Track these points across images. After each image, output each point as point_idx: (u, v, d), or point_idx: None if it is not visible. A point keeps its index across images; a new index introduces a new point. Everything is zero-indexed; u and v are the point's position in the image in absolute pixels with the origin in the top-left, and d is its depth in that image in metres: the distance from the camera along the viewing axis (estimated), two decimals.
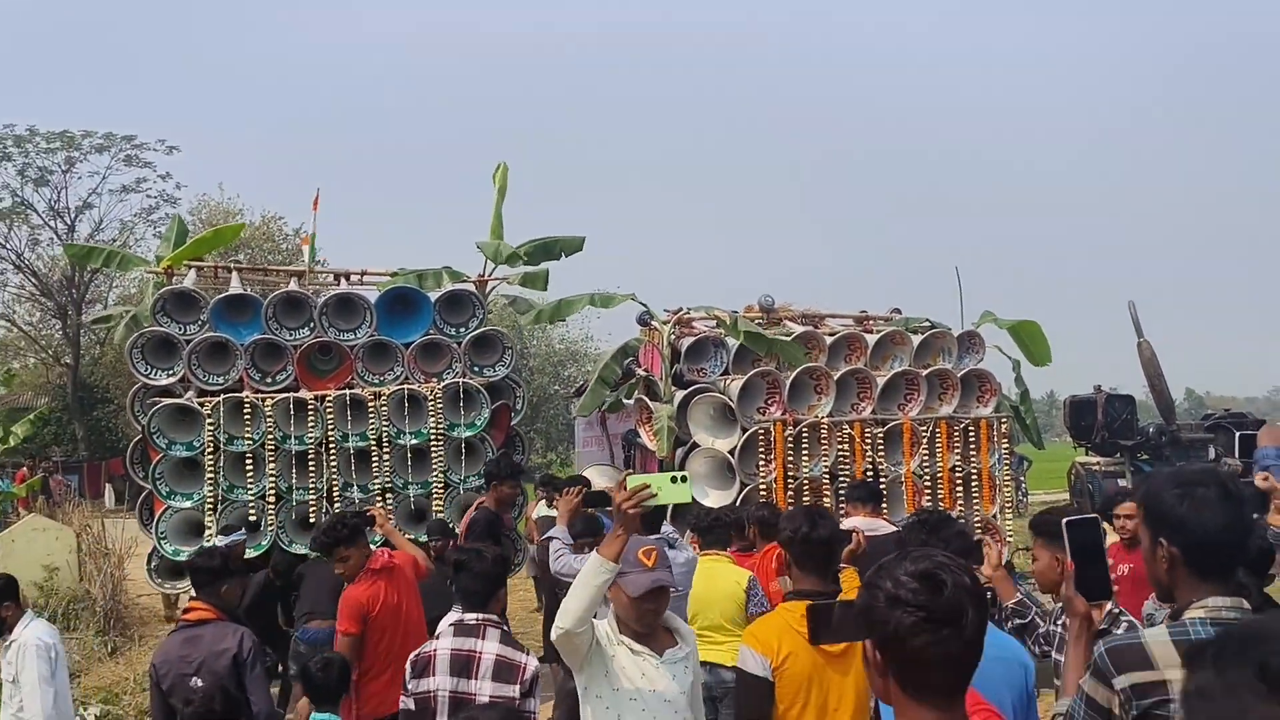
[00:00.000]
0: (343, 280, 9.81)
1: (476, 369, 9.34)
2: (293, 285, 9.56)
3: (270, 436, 8.53)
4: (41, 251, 35.24)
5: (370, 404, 8.78)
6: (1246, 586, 2.56)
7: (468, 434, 9.00)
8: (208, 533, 8.23)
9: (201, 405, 8.47)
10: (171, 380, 8.67)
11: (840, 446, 8.82)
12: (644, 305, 9.89)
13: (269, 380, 8.81)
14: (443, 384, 8.98)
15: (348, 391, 8.78)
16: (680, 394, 9.07)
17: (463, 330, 9.37)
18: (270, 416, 8.53)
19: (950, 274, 11.36)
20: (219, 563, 5.15)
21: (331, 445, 8.71)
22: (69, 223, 34.77)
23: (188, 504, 8.56)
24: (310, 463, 8.73)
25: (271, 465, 8.51)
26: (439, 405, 8.89)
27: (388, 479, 8.82)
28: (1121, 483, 13.20)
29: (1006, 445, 9.72)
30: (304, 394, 8.71)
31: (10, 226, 33.71)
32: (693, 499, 5.79)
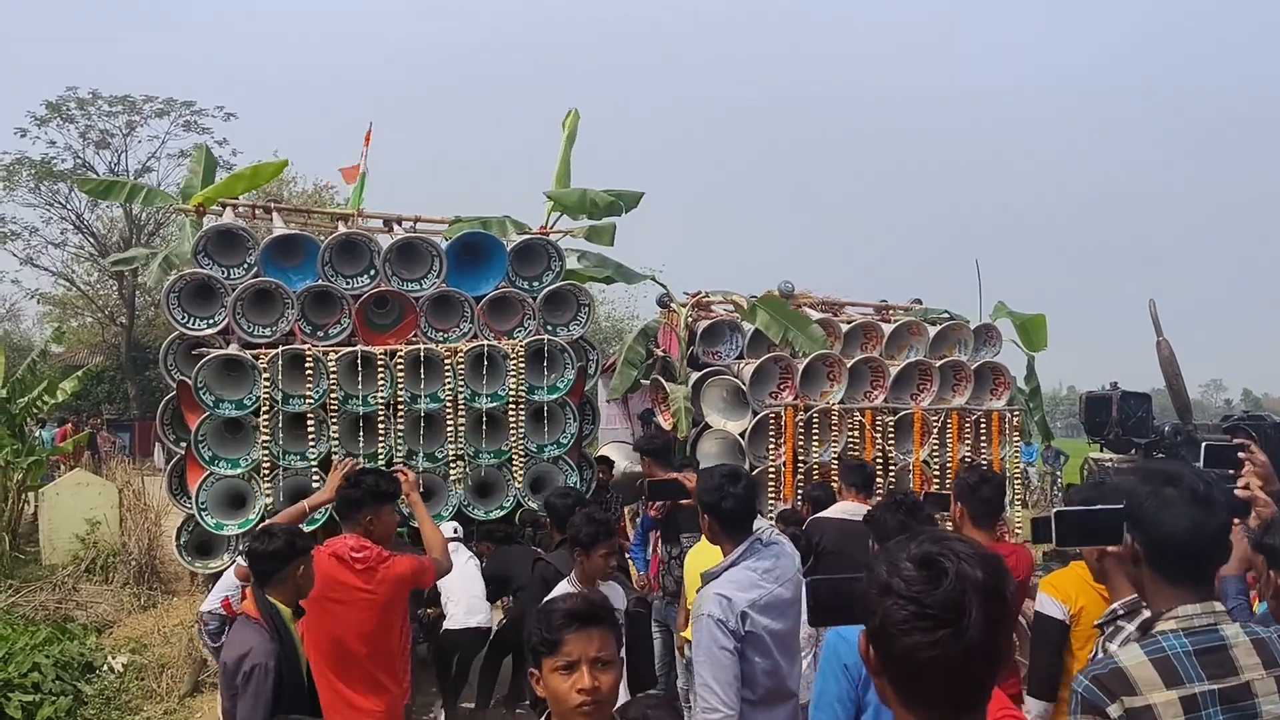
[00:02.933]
0: (395, 226, 8.78)
1: (550, 327, 8.34)
2: (341, 229, 8.58)
3: (333, 396, 7.52)
4: (101, 213, 35.48)
5: (446, 362, 7.75)
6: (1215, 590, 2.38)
7: (550, 398, 7.97)
8: (261, 503, 7.25)
9: (257, 359, 7.43)
10: (212, 331, 7.60)
11: (850, 433, 8.82)
12: (664, 286, 9.74)
13: (320, 334, 7.82)
14: (524, 342, 7.93)
15: (421, 347, 7.75)
16: (695, 375, 9.08)
17: (536, 284, 8.36)
18: (334, 373, 7.52)
19: (982, 268, 11.15)
20: (282, 544, 4.20)
21: (400, 407, 7.70)
22: (144, 206, 34.80)
23: (233, 471, 7.50)
24: (376, 426, 7.72)
25: (334, 428, 7.51)
26: (521, 366, 7.85)
27: (460, 446, 7.81)
28: None
29: (1018, 438, 9.68)
30: (373, 349, 7.70)
31: (71, 188, 33.55)
32: None
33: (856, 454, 8.67)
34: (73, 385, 14.99)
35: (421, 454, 7.79)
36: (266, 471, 7.42)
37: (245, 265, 7.69)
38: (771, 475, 8.55)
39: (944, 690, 1.59)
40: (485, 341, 7.93)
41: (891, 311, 10.19)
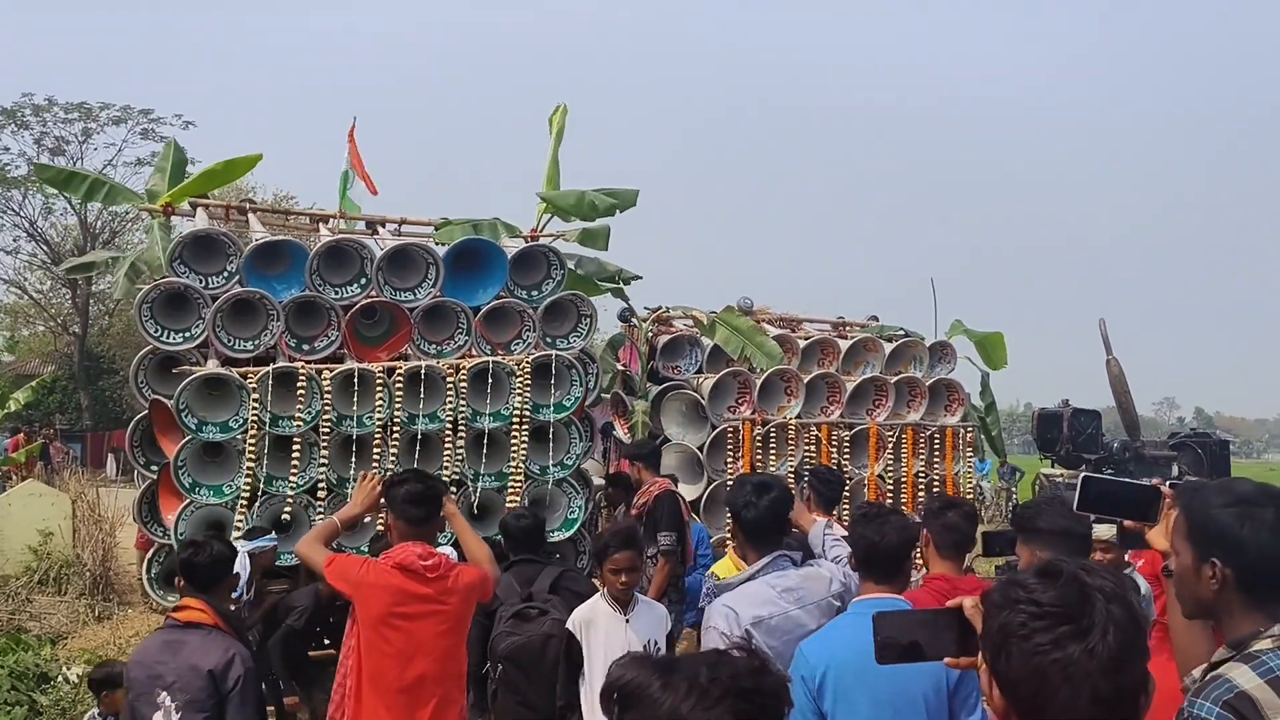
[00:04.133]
0: (379, 229, 8.21)
1: (549, 340, 7.81)
2: (322, 231, 7.99)
3: (326, 417, 6.92)
4: (55, 220, 35.31)
5: (448, 379, 7.18)
6: None
7: (556, 416, 7.43)
8: (235, 535, 6.61)
9: (245, 377, 6.79)
10: (189, 345, 6.95)
11: (807, 447, 8.96)
12: (626, 300, 9.68)
13: (306, 347, 7.22)
14: (532, 357, 7.39)
15: (422, 364, 7.16)
16: (655, 390, 9.16)
17: (535, 294, 7.82)
18: (329, 393, 6.92)
19: (940, 285, 11.23)
20: (220, 550, 4.22)
21: (396, 428, 7.11)
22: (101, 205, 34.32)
23: (217, 500, 6.84)
24: (367, 449, 7.11)
25: (324, 451, 6.91)
26: (526, 383, 7.30)
27: (458, 469, 7.23)
28: None
29: (971, 454, 9.93)
30: (371, 366, 7.11)
31: (25, 194, 33.25)
32: None
33: (813, 467, 8.40)
34: (26, 396, 14.62)
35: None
36: (247, 499, 6.79)
37: (225, 273, 7.06)
38: (729, 489, 8.39)
39: (1074, 705, 1.46)
40: (490, 357, 7.38)
41: (848, 328, 10.38)
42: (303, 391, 6.82)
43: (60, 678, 8.08)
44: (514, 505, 7.31)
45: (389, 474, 5.18)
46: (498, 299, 7.62)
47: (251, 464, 6.74)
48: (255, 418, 6.71)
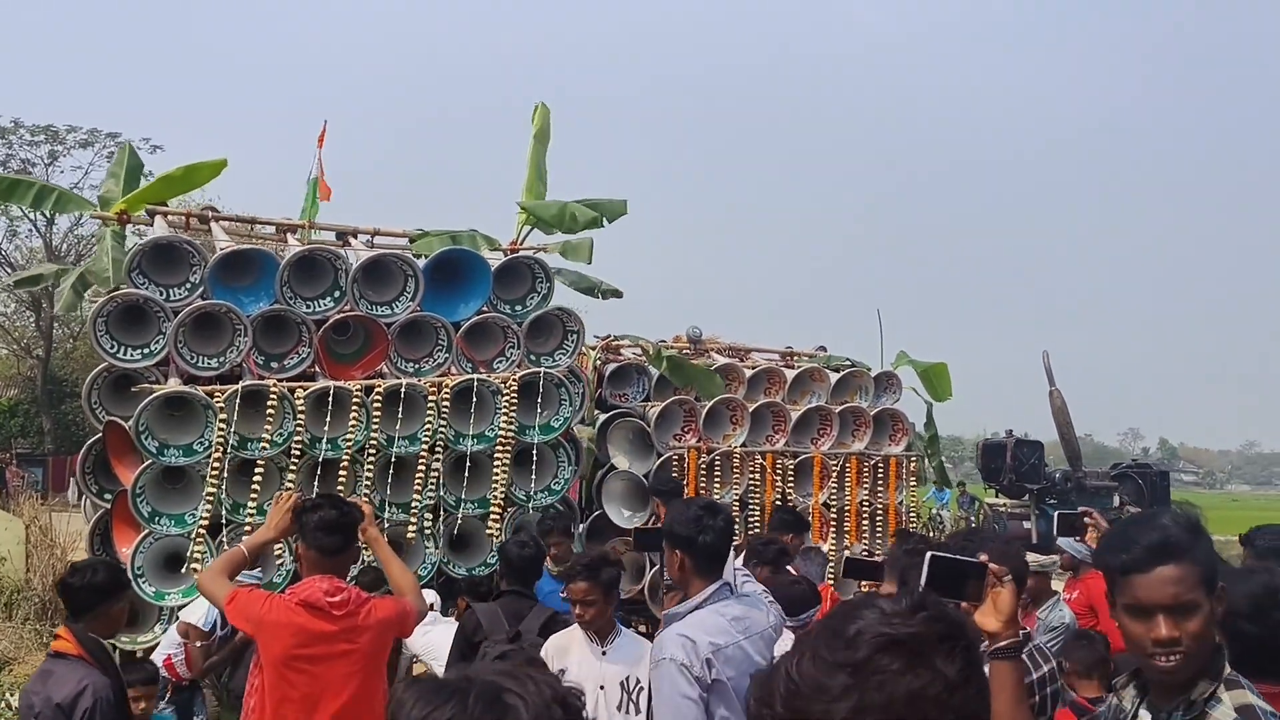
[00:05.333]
0: (350, 240, 7.72)
1: (533, 357, 7.38)
2: (290, 242, 7.51)
3: (299, 440, 6.43)
4: (20, 243, 34.48)
5: (430, 399, 6.70)
6: None
7: (544, 438, 6.97)
8: (193, 566, 6.07)
9: (212, 396, 6.29)
10: (147, 362, 6.44)
11: (751, 476, 8.94)
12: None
13: (275, 365, 6.73)
14: (519, 375, 6.94)
15: (403, 382, 6.69)
16: (602, 417, 9.05)
17: (519, 309, 7.39)
18: (302, 413, 6.42)
19: (887, 315, 11.47)
20: (104, 577, 3.96)
21: (372, 451, 6.63)
22: (48, 216, 33.61)
23: (178, 530, 6.31)
24: (339, 473, 6.61)
25: (293, 477, 6.42)
26: (512, 402, 6.85)
27: (437, 494, 6.75)
28: (1026, 525, 13.43)
29: (914, 482, 10.03)
30: (348, 385, 6.63)
31: None
32: None
33: (757, 496, 8.83)
34: None
35: (394, 505, 6.73)
36: (206, 528, 6.27)
37: (188, 284, 6.57)
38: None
39: None
40: (474, 375, 6.92)
41: (796, 358, 10.39)
42: (273, 412, 6.32)
43: (4, 704, 7.63)
44: (493, 533, 6.85)
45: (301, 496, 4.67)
46: (480, 314, 7.18)
47: (214, 490, 6.22)
48: (222, 440, 6.20)
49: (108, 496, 6.66)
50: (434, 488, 6.79)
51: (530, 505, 7.11)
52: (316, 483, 6.39)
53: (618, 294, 8.99)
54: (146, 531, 6.25)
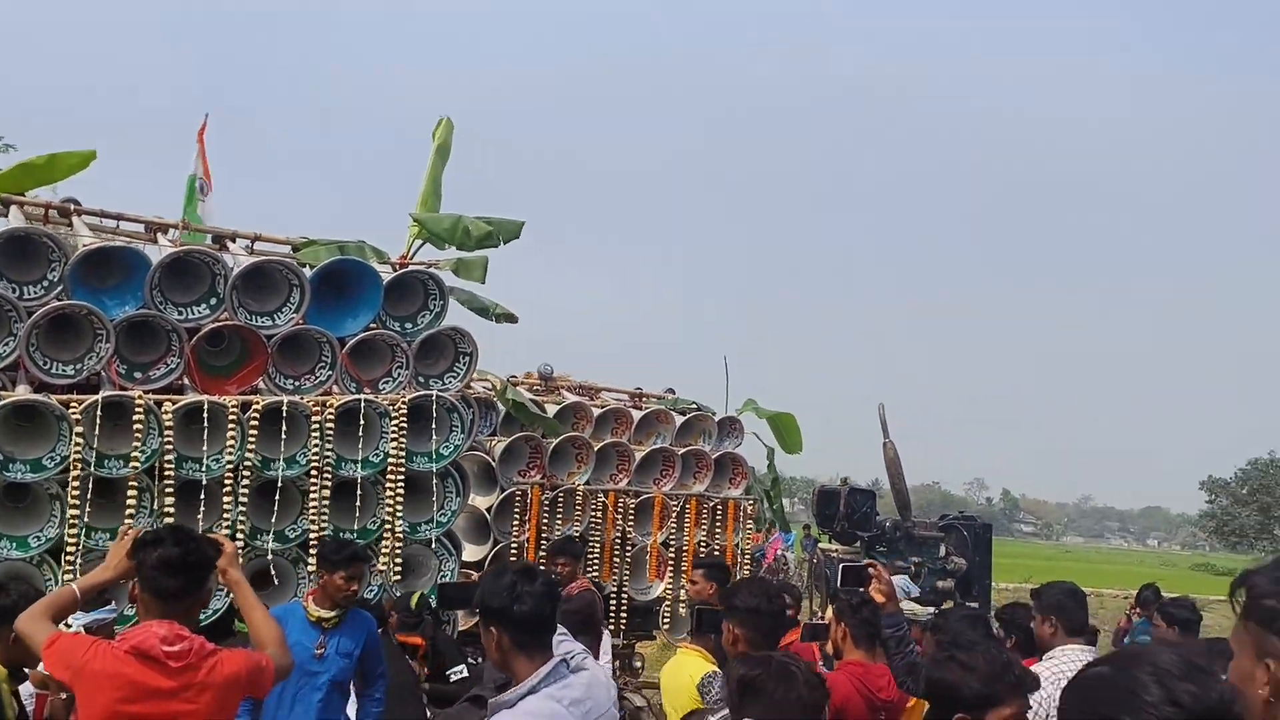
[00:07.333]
0: (228, 244, 7.17)
1: (421, 379, 7.00)
2: (161, 243, 6.92)
3: (167, 459, 5.84)
4: None
5: (314, 419, 6.22)
6: None
7: (435, 466, 6.56)
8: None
9: (68, 406, 5.65)
10: None
11: (594, 514, 9.15)
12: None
13: (140, 375, 6.15)
14: (409, 397, 6.52)
15: (284, 399, 6.18)
16: None
17: (410, 326, 6.99)
18: (170, 429, 5.85)
19: (751, 364, 11.99)
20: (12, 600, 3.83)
21: (247, 474, 6.10)
22: None
23: (21, 554, 5.63)
24: (214, 498, 6.05)
25: (158, 500, 5.82)
26: (402, 426, 6.43)
27: (317, 523, 6.25)
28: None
29: (752, 526, 10.60)
30: (223, 400, 6.07)
31: None
32: None
33: (598, 533, 9.02)
34: None
35: (269, 533, 6.20)
36: (55, 554, 5.65)
37: (45, 283, 5.93)
38: (514, 552, 8.70)
39: None
40: (361, 395, 6.46)
41: (645, 399, 10.66)
42: (139, 427, 5.73)
43: None
44: (383, 569, 6.42)
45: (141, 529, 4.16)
46: (368, 330, 6.74)
47: (75, 512, 5.60)
48: (79, 456, 5.58)
49: None
50: (322, 517, 6.29)
51: (416, 538, 6.69)
52: (170, 510, 5.82)
53: (512, 318, 8.62)
54: None
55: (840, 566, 4.80)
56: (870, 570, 4.59)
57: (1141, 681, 1.50)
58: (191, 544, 3.49)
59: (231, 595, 3.98)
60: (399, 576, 6.69)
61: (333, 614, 5.14)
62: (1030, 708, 3.29)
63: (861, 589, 4.35)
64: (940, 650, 4.00)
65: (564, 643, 3.44)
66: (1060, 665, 4.58)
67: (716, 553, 9.72)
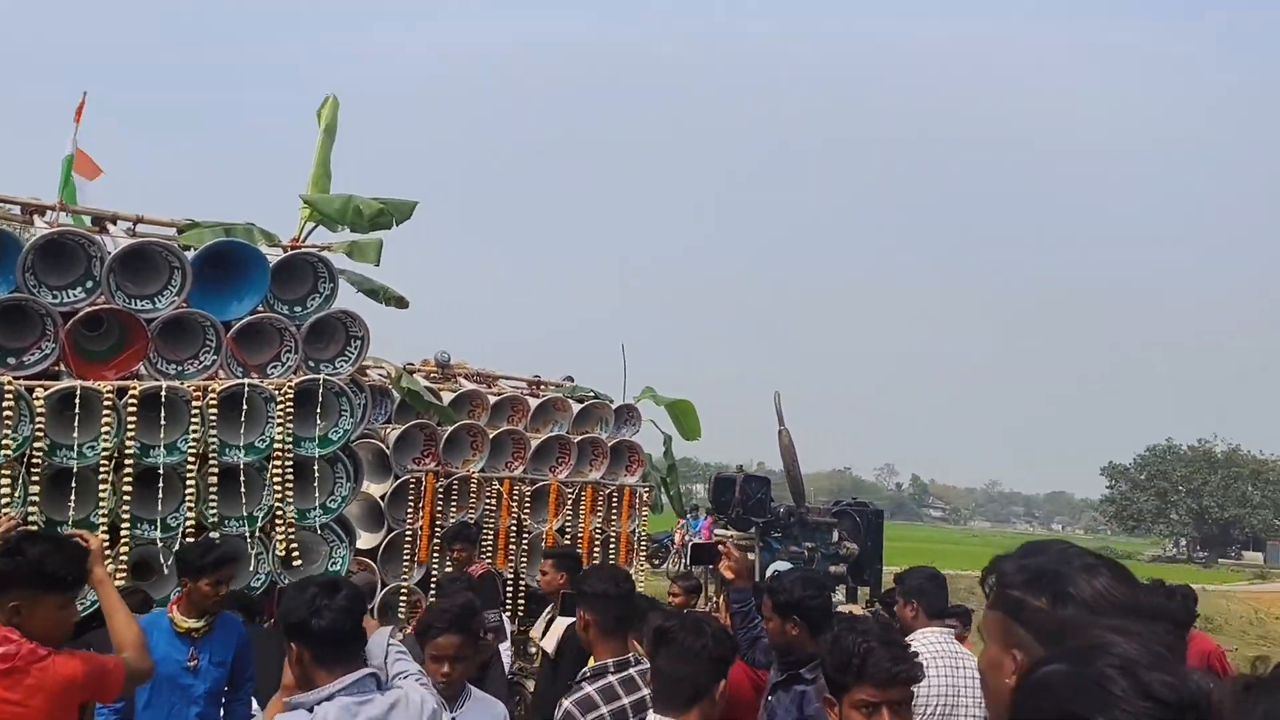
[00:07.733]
0: (109, 225, 6.97)
1: (311, 364, 6.89)
2: (37, 225, 6.72)
3: (38, 446, 5.66)
4: None
5: (195, 404, 6.08)
6: None
7: (321, 451, 6.48)
8: None
9: None
10: None
11: (488, 501, 9.20)
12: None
13: (13, 360, 5.95)
14: (294, 382, 6.41)
15: (163, 385, 6.03)
16: None
17: (299, 310, 6.88)
18: (41, 415, 5.67)
19: (657, 350, 12.21)
20: None
21: (127, 461, 5.94)
22: None
23: None
24: (91, 485, 5.90)
25: (35, 489, 5.64)
26: (288, 411, 6.33)
27: (200, 511, 6.13)
28: (751, 556, 14.47)
29: (647, 513, 10.67)
30: (96, 385, 5.90)
31: None
32: None
33: (493, 521, 9.03)
34: None
35: (152, 523, 6.05)
36: None
37: None
38: (408, 540, 8.68)
39: None
40: (244, 380, 6.34)
41: (543, 387, 10.72)
42: (9, 413, 5.55)
43: None
44: (280, 549, 6.32)
45: (16, 524, 3.99)
46: (254, 313, 6.61)
47: None
48: None
49: None
50: (209, 503, 6.16)
51: (306, 524, 6.60)
52: (35, 497, 5.66)
53: (403, 303, 8.52)
54: None
55: (690, 545, 5.13)
56: (720, 548, 4.77)
57: (1107, 674, 1.42)
58: (38, 544, 3.37)
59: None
60: (299, 562, 6.59)
61: (201, 623, 4.79)
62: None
63: (711, 565, 4.42)
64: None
65: (399, 661, 3.30)
66: (919, 646, 4.73)
67: (612, 539, 9.91)
